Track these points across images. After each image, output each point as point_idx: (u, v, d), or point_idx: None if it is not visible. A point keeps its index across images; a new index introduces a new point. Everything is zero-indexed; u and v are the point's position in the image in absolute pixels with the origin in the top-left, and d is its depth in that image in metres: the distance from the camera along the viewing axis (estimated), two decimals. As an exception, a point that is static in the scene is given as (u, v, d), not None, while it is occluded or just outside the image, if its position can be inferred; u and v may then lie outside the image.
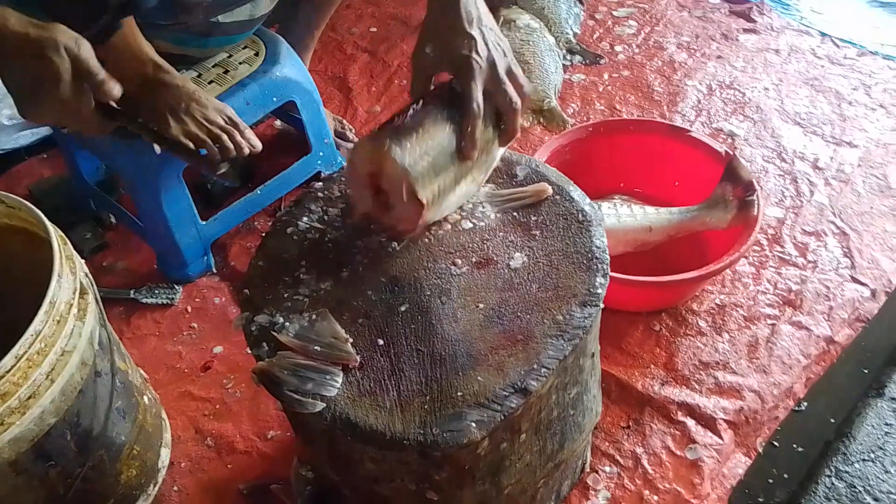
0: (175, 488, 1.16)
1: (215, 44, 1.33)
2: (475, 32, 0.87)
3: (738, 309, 1.35)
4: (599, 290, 0.84)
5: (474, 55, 0.86)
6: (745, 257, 1.43)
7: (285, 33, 1.50)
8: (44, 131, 1.75)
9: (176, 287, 1.44)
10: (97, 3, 0.95)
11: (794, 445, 1.18)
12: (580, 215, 0.93)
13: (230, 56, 1.40)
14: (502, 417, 0.75)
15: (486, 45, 0.87)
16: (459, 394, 0.76)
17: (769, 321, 1.33)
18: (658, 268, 1.28)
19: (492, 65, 0.87)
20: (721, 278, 1.39)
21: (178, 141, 1.15)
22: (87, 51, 0.87)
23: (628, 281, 1.21)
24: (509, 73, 0.89)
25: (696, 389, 1.23)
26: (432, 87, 0.92)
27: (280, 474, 1.13)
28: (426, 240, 0.91)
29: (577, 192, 0.96)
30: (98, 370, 0.93)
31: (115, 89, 0.91)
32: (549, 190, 0.95)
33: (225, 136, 1.19)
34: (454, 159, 0.87)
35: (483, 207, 0.95)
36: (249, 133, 1.22)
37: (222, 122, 1.20)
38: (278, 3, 1.36)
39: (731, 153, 1.35)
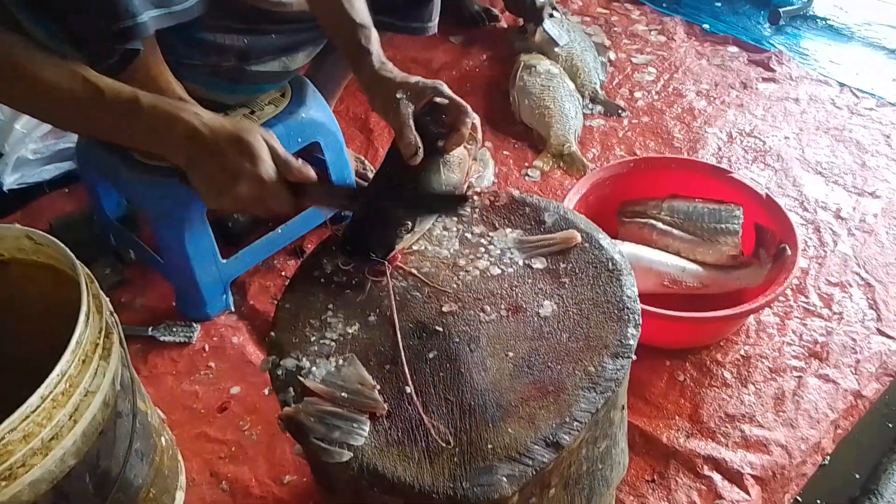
0: (190, 533, 1.14)
1: (243, 92, 1.33)
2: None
3: (764, 360, 1.33)
4: (631, 342, 0.83)
5: (429, 82, 1.04)
6: (782, 298, 1.42)
7: (312, 77, 1.51)
8: (67, 165, 1.76)
9: (194, 325, 1.43)
10: (105, 30, 0.94)
11: (819, 502, 1.15)
12: (610, 264, 0.92)
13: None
14: (534, 472, 0.73)
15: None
16: (490, 446, 0.75)
17: (795, 373, 1.31)
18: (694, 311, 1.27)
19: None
20: (746, 328, 1.37)
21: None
22: (276, 139, 0.92)
23: (664, 316, 1.20)
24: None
25: (723, 443, 1.20)
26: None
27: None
28: (454, 285, 0.91)
29: (606, 240, 0.96)
30: (119, 411, 0.92)
31: (312, 172, 0.94)
32: (578, 237, 0.95)
33: None
34: None
35: (511, 253, 0.95)
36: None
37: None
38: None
39: (771, 195, 1.36)
